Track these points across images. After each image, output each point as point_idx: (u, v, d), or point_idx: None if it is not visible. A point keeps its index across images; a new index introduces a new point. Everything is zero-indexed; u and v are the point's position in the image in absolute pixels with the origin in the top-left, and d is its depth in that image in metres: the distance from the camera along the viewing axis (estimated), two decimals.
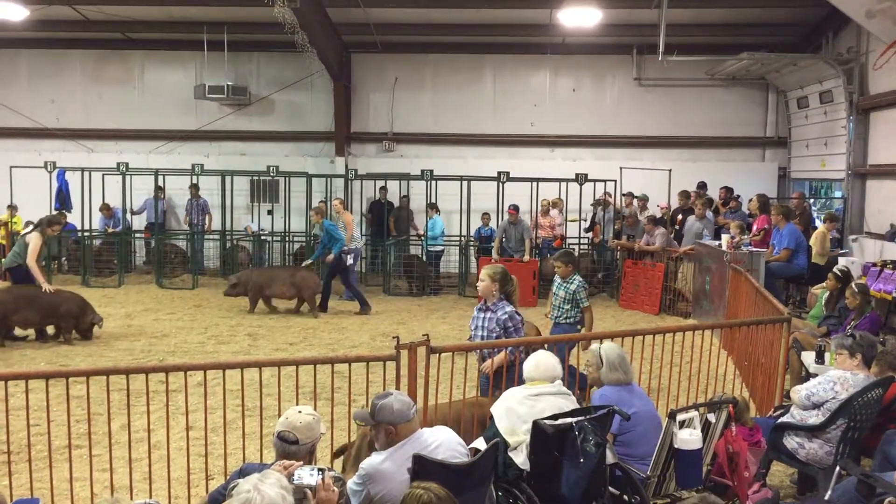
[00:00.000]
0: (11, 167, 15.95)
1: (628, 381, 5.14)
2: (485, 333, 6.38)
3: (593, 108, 17.47)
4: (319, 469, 3.38)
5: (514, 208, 14.18)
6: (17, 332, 10.49)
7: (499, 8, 15.20)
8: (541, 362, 4.91)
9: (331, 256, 12.79)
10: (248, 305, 12.71)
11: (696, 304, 12.43)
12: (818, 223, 13.97)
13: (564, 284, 7.84)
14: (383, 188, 16.60)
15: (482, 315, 6.45)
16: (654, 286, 13.23)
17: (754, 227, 12.27)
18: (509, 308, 6.34)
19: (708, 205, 14.11)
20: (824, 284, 9.10)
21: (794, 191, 16.25)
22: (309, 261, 13.30)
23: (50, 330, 10.58)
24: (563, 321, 7.82)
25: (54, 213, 15.51)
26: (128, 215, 16.40)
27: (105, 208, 16.21)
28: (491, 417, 4.77)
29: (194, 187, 16.67)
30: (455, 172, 15.66)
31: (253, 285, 12.65)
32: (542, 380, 4.84)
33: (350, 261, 13.26)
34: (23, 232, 10.69)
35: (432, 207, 15.45)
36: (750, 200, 13.95)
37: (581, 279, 7.91)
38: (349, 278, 13.28)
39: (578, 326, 7.83)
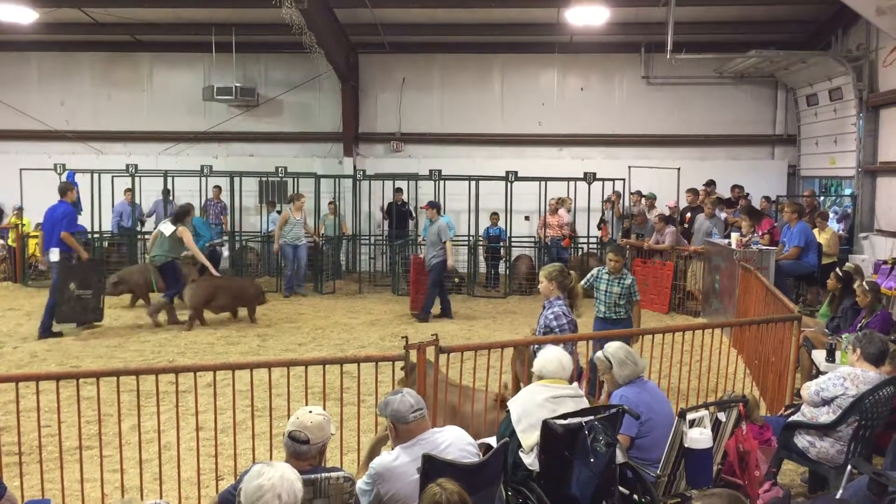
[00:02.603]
0: (21, 169, 16.03)
1: (640, 372, 5.12)
2: (538, 331, 6.40)
3: (601, 106, 17.43)
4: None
5: (429, 205, 13.16)
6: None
7: (506, 7, 15.18)
8: (563, 360, 4.84)
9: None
10: None
11: (705, 302, 12.39)
12: (834, 223, 13.92)
13: (618, 280, 7.85)
14: (398, 190, 16.55)
15: (542, 312, 6.46)
16: (663, 285, 13.19)
17: (758, 231, 12.20)
18: (557, 308, 6.26)
19: (718, 203, 14.06)
20: None
21: (805, 188, 16.18)
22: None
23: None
24: (625, 316, 7.85)
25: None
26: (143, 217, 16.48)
27: (128, 191, 16.15)
28: (507, 411, 4.74)
29: (217, 188, 16.70)
30: (463, 172, 15.68)
31: (135, 283, 12.75)
32: (563, 379, 4.80)
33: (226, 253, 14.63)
34: (162, 229, 11.56)
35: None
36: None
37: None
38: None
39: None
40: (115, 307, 12.41)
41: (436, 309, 12.47)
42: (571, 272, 6.57)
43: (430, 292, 12.31)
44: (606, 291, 7.89)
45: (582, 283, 7.98)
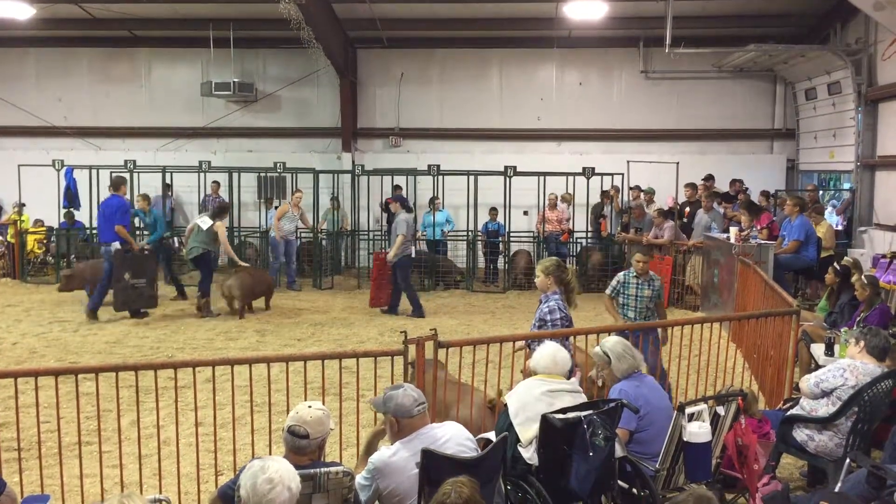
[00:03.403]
0: (19, 165, 16.01)
1: (639, 365, 5.09)
2: (533, 325, 6.35)
3: (600, 101, 17.42)
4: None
5: (393, 198, 13.01)
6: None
7: (504, 2, 15.16)
8: (557, 356, 4.81)
9: (146, 245, 12.72)
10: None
11: (704, 297, 12.40)
12: (833, 216, 13.93)
13: (648, 282, 7.58)
14: (397, 187, 16.52)
15: (538, 307, 6.37)
16: (662, 279, 13.15)
17: (757, 226, 12.19)
18: (552, 302, 6.19)
19: (714, 198, 14.05)
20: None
21: (803, 183, 16.20)
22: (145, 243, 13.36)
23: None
24: (654, 319, 7.62)
25: (64, 209, 15.64)
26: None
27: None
28: (504, 406, 4.74)
29: (215, 184, 16.67)
30: (462, 167, 15.64)
31: (90, 278, 12.71)
32: (559, 374, 4.78)
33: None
34: (199, 223, 12.01)
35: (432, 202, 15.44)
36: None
37: None
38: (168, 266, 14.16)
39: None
40: (110, 304, 12.38)
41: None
42: (569, 266, 6.54)
43: (409, 293, 12.18)
44: (637, 296, 7.54)
45: (607, 291, 7.84)
